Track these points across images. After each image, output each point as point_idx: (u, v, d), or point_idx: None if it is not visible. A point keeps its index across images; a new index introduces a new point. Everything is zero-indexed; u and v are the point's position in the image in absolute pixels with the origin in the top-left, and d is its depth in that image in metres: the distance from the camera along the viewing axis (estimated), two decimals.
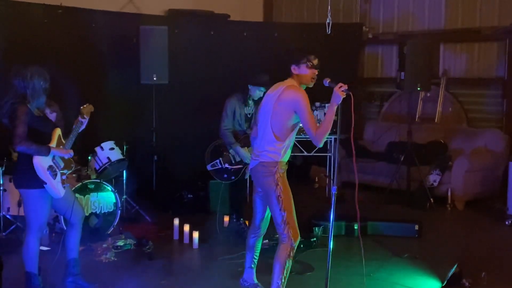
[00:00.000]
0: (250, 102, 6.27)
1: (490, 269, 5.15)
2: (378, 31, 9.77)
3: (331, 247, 4.09)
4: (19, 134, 4.29)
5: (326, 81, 4.22)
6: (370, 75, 10.00)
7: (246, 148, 6.16)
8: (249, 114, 6.31)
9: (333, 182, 4.22)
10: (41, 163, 4.38)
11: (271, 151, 4.27)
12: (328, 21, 6.75)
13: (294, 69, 4.30)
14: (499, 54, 8.54)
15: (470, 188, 7.78)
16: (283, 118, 4.24)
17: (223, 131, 6.19)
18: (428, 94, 9.00)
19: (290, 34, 8.89)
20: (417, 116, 9.14)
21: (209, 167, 6.24)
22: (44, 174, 4.38)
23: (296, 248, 4.28)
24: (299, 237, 4.28)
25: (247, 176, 5.30)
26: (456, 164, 7.77)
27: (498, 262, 5.62)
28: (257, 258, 4.73)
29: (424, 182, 7.75)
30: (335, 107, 4.13)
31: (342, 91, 4.07)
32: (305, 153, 7.82)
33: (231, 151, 6.18)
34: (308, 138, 7.09)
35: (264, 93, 6.16)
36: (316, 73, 4.29)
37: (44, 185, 4.39)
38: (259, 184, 4.38)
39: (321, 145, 4.25)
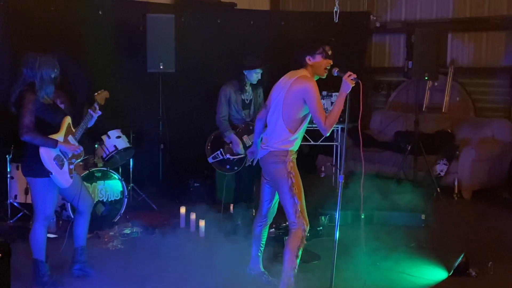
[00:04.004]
0: (248, 88, 6.25)
1: (497, 258, 5.14)
2: (386, 20, 9.72)
3: (337, 236, 4.11)
4: (25, 124, 4.28)
5: (335, 71, 4.25)
6: (377, 64, 9.96)
7: (246, 136, 6.16)
8: (247, 100, 6.28)
9: (340, 171, 4.23)
10: (47, 153, 4.37)
11: (282, 141, 4.29)
12: (335, 9, 6.72)
13: (309, 59, 4.29)
14: (507, 43, 8.48)
15: (477, 178, 7.76)
16: (293, 109, 4.25)
17: (218, 119, 6.19)
18: (436, 84, 8.96)
19: (297, 22, 8.86)
20: (424, 106, 9.11)
21: (210, 160, 6.20)
22: (50, 164, 4.38)
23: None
24: (308, 225, 4.29)
25: (248, 163, 5.29)
26: (463, 153, 7.75)
27: (505, 251, 5.60)
28: (263, 246, 4.74)
29: (431, 172, 7.73)
30: (344, 97, 4.15)
31: (351, 79, 4.08)
32: (312, 142, 7.81)
33: (226, 139, 6.16)
34: (315, 127, 7.10)
35: (262, 74, 6.16)
36: (331, 63, 4.29)
37: (50, 175, 4.39)
38: (268, 173, 4.39)
39: (328, 134, 4.27)
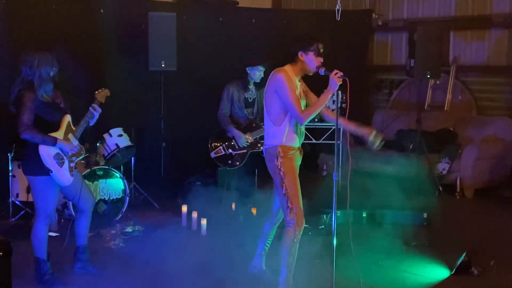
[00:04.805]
0: (251, 86, 6.27)
1: (499, 257, 5.13)
2: (388, 18, 9.69)
3: (335, 234, 4.13)
4: (25, 121, 4.28)
5: (322, 70, 4.30)
6: (379, 63, 9.93)
7: (249, 133, 6.20)
8: (250, 98, 6.32)
9: (334, 169, 4.26)
10: (47, 151, 4.37)
11: (271, 136, 4.37)
12: (337, 7, 6.71)
13: (301, 55, 4.31)
14: (510, 41, 8.46)
15: (479, 176, 7.75)
16: (271, 101, 4.33)
17: (219, 115, 6.26)
18: (438, 82, 8.93)
19: (299, 21, 8.83)
20: (426, 104, 9.08)
21: (212, 155, 6.25)
22: (50, 162, 4.37)
23: (301, 234, 4.29)
24: (303, 224, 4.29)
25: None
26: (465, 152, 7.73)
27: (507, 250, 5.59)
28: (268, 246, 4.75)
29: (433, 170, 7.72)
30: (331, 94, 4.22)
31: (338, 77, 4.12)
32: (314, 141, 7.79)
33: (228, 134, 6.20)
34: (317, 125, 7.11)
35: (265, 72, 6.18)
36: (321, 61, 4.30)
37: (50, 173, 4.39)
38: (268, 169, 4.41)
39: (303, 124, 4.33)
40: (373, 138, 4.41)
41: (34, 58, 4.37)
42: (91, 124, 4.69)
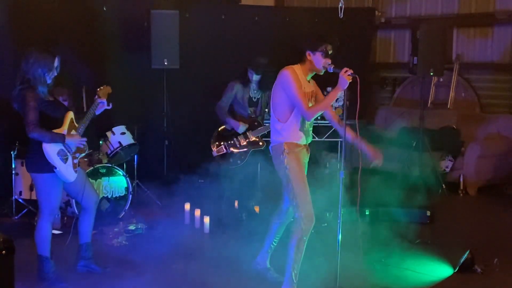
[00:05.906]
0: (254, 85, 6.26)
1: (502, 255, 5.13)
2: (391, 16, 9.69)
3: (340, 232, 4.11)
4: (31, 120, 4.27)
5: (331, 68, 4.27)
6: (382, 60, 9.92)
7: (250, 131, 6.19)
8: (255, 98, 6.32)
9: (341, 168, 4.24)
10: (50, 147, 4.37)
11: (277, 133, 4.36)
12: (340, 5, 6.70)
13: (309, 54, 4.30)
14: None
15: (482, 174, 7.74)
16: (278, 99, 4.33)
17: (218, 105, 6.20)
18: (441, 79, 8.93)
19: (302, 18, 8.81)
20: (429, 102, 9.08)
21: (214, 153, 6.23)
22: (54, 159, 4.37)
23: (309, 231, 4.28)
24: (312, 221, 4.26)
25: None
26: (468, 150, 7.72)
27: (510, 248, 5.59)
28: (275, 244, 4.73)
29: (436, 168, 7.71)
30: (339, 92, 4.19)
31: (348, 75, 4.09)
32: (317, 139, 7.79)
33: (227, 126, 6.19)
34: (319, 123, 7.08)
35: (261, 77, 6.16)
36: (329, 62, 4.27)
37: (54, 170, 4.39)
38: (274, 166, 4.41)
39: (310, 120, 4.34)
40: (377, 162, 4.41)
41: (31, 56, 4.36)
42: (97, 113, 4.71)
